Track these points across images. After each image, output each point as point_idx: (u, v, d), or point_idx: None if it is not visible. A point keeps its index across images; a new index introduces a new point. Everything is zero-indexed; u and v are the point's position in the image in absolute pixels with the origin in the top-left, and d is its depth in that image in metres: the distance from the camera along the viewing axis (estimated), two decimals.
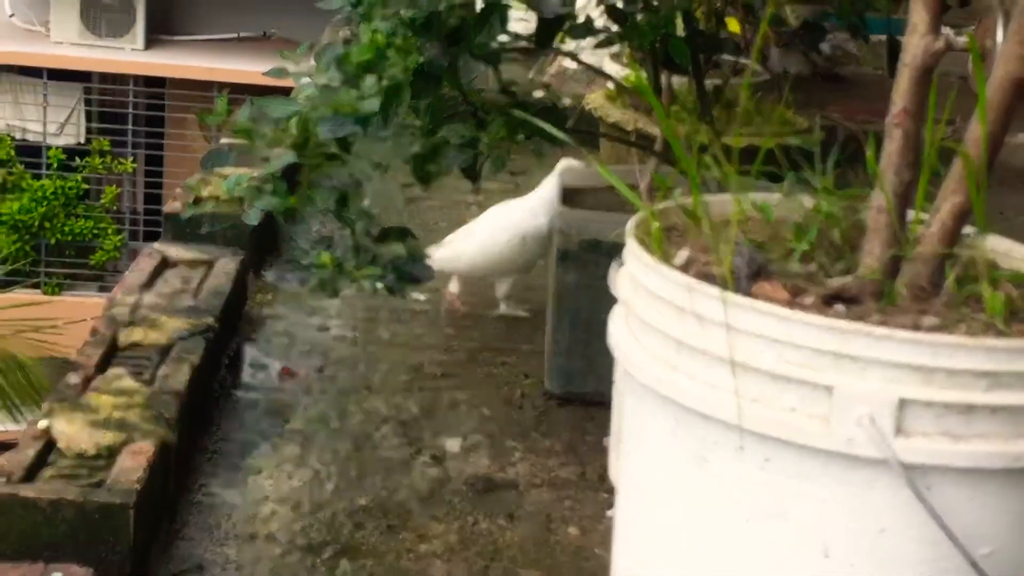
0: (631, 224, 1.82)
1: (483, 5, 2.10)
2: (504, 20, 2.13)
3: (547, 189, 3.13)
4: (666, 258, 1.77)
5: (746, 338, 1.56)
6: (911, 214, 1.77)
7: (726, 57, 3.75)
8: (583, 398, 2.80)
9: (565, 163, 3.12)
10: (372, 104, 2.33)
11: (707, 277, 1.67)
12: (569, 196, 3.01)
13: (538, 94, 4.63)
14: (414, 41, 2.22)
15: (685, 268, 1.75)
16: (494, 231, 3.14)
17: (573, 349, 2.79)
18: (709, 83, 3.30)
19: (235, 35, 9.70)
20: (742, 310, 1.57)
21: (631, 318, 1.78)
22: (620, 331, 1.82)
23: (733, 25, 3.22)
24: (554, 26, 2.26)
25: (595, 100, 3.90)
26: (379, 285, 2.27)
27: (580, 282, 2.76)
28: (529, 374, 2.94)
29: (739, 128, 3.57)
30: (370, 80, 2.34)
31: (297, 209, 2.46)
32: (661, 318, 1.67)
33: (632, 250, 1.77)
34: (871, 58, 4.16)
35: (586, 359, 2.78)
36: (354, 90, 2.37)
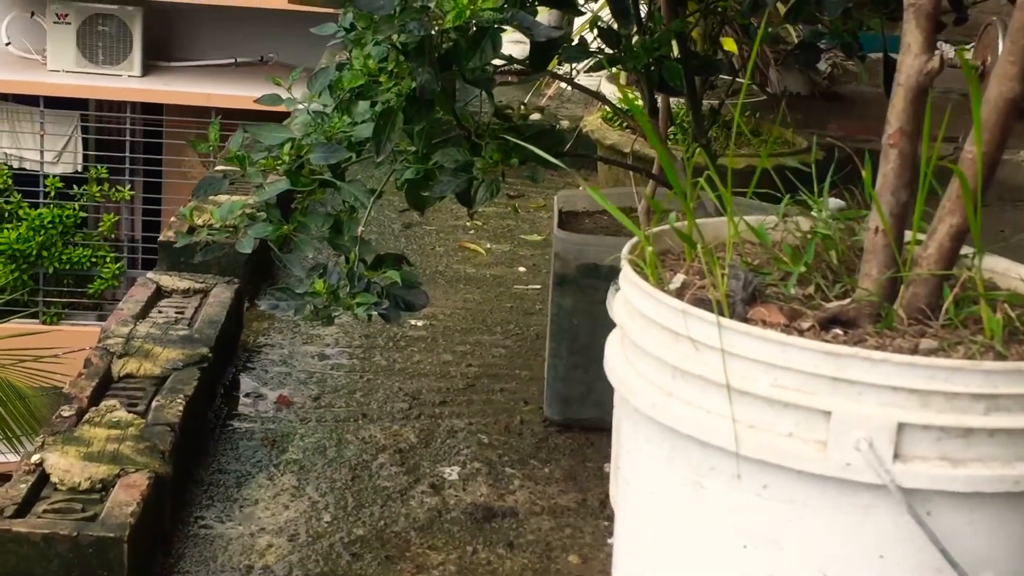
0: (626, 249, 1.81)
1: (475, 29, 2.09)
2: (496, 44, 2.11)
3: None
4: (661, 283, 1.76)
5: (742, 363, 1.55)
6: (908, 234, 1.76)
7: (724, 77, 3.75)
8: (583, 424, 2.78)
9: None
10: (365, 130, 2.32)
11: (702, 302, 1.66)
12: (566, 220, 2.99)
13: (534, 117, 4.61)
14: (406, 66, 2.20)
15: (680, 292, 1.74)
16: None
17: (572, 375, 2.77)
18: (706, 104, 3.29)
19: (232, 60, 9.70)
20: (737, 335, 1.55)
21: (626, 343, 1.76)
22: (616, 356, 1.81)
23: (730, 45, 3.22)
24: (548, 50, 2.25)
25: (592, 122, 3.89)
26: (373, 313, 2.25)
27: (578, 307, 2.74)
28: (528, 400, 2.92)
29: (736, 149, 3.57)
30: (362, 106, 2.33)
31: (291, 236, 2.44)
32: (656, 343, 1.66)
33: (627, 275, 1.75)
34: (869, 76, 4.15)
35: (585, 385, 2.76)
36: (347, 116, 2.36)
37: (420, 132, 2.32)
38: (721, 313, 1.61)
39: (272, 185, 2.45)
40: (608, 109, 3.85)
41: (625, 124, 3.68)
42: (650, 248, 1.73)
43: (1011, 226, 4.36)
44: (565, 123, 4.56)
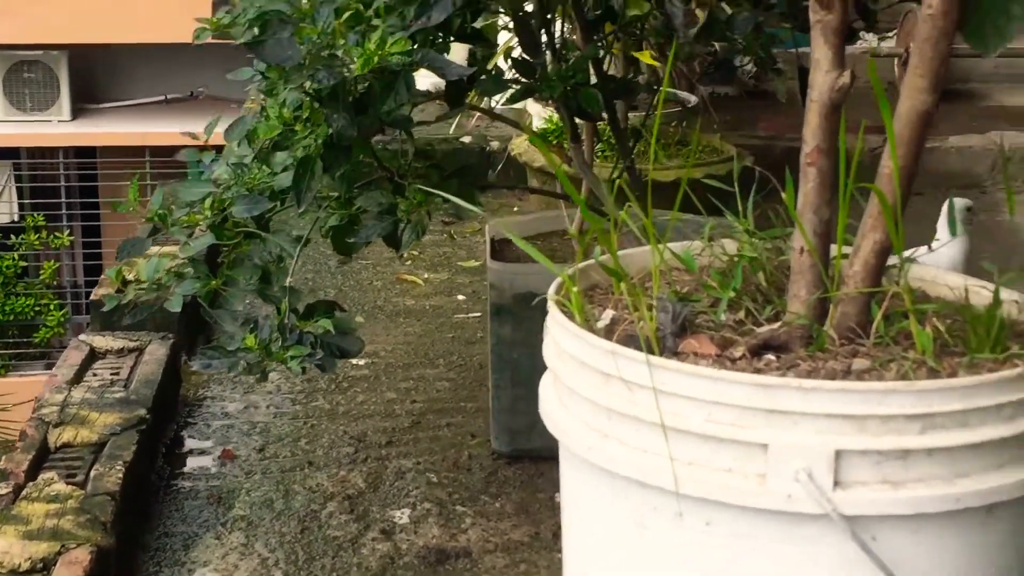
0: (552, 289, 1.79)
1: (387, 73, 2.06)
2: (410, 85, 2.09)
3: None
4: (590, 320, 1.74)
5: (675, 401, 1.53)
6: (835, 248, 1.75)
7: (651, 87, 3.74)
8: (531, 454, 2.76)
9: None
10: (286, 179, 2.29)
11: (632, 339, 1.64)
12: (499, 248, 2.97)
13: (464, 139, 4.61)
14: (321, 113, 2.18)
15: (610, 329, 1.72)
16: None
17: (516, 405, 2.74)
18: (636, 116, 3.28)
19: (162, 97, 9.61)
20: (668, 372, 1.54)
21: (559, 385, 1.75)
22: (549, 399, 1.79)
23: (646, 57, 3.20)
24: (461, 87, 2.23)
25: (520, 144, 3.86)
26: (307, 366, 2.22)
27: (517, 337, 2.71)
28: (475, 434, 2.89)
29: (666, 161, 3.56)
30: (281, 156, 2.30)
31: (220, 291, 2.41)
32: (588, 385, 1.64)
33: (554, 316, 1.73)
34: (786, 89, 4.17)
35: (531, 415, 2.70)
36: (266, 166, 2.33)
37: (342, 177, 2.29)
38: (651, 350, 1.60)
39: (196, 240, 2.41)
40: (537, 127, 3.83)
41: (554, 144, 3.67)
42: (575, 289, 1.71)
43: None
44: (495, 144, 4.54)
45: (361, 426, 2.94)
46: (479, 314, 3.55)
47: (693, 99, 3.87)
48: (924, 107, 1.63)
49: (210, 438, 2.89)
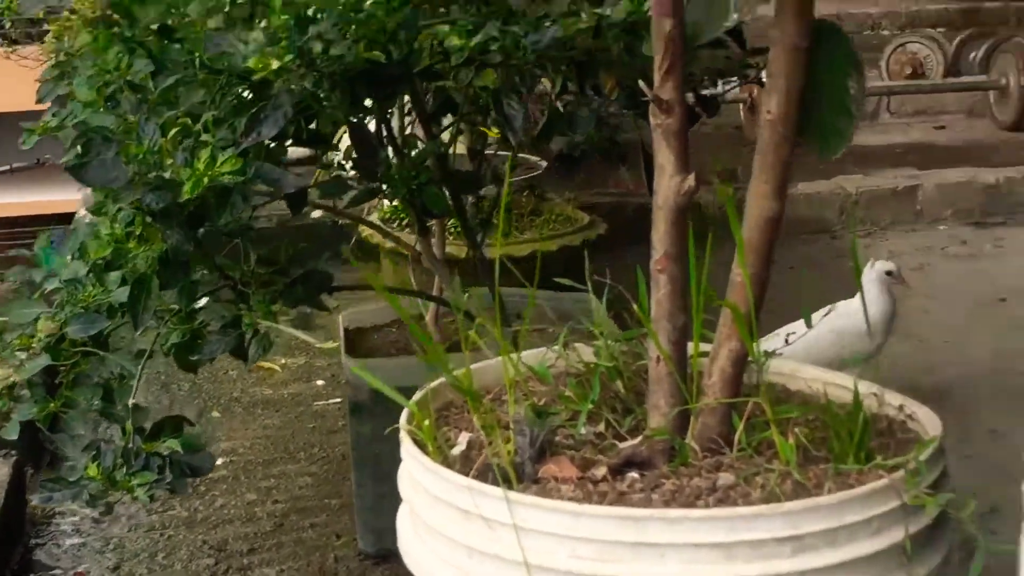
0: (402, 418, 1.72)
1: (221, 186, 1.97)
2: (247, 197, 2.01)
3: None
4: (444, 447, 1.67)
5: (537, 537, 1.47)
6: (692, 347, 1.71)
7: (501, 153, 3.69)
8: (399, 553, 2.67)
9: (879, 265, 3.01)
10: (122, 294, 2.19)
11: (491, 469, 1.57)
12: (354, 338, 2.90)
13: (316, 214, 4.48)
14: (155, 229, 2.09)
15: (467, 456, 1.65)
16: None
17: (380, 504, 2.65)
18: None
19: (8, 167, 9.32)
20: (528, 509, 1.47)
21: (416, 520, 1.68)
22: (406, 533, 1.73)
23: (493, 132, 3.15)
24: (300, 196, 2.15)
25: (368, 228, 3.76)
26: (153, 494, 2.11)
27: (377, 433, 2.60)
28: (340, 533, 2.79)
29: (518, 235, 3.52)
30: (115, 275, 2.20)
31: (60, 413, 2.29)
32: (446, 521, 1.57)
33: (407, 449, 1.67)
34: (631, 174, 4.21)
35: (394, 513, 2.64)
36: (100, 284, 2.23)
37: (181, 292, 2.19)
38: (509, 483, 1.53)
39: (31, 362, 2.29)
40: (385, 209, 3.76)
41: (404, 224, 3.59)
42: (427, 421, 1.64)
43: (800, 260, 4.41)
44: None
45: (221, 533, 2.82)
46: (339, 399, 3.46)
47: (543, 163, 3.83)
48: (771, 213, 1.60)
49: (60, 560, 2.75)
